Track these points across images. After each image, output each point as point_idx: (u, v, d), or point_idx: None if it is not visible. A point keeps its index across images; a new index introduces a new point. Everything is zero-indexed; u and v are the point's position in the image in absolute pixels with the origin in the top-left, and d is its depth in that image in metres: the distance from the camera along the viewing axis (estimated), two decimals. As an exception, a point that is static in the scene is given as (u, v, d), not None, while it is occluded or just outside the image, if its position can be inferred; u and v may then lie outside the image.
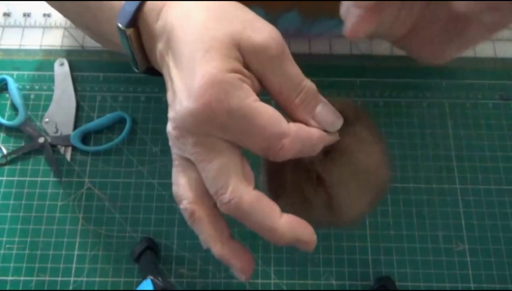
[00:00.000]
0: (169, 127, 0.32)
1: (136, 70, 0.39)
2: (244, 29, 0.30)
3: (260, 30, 0.30)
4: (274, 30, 0.31)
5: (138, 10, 0.34)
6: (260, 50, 0.30)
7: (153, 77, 0.40)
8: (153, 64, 0.37)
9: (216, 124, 0.29)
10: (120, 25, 0.34)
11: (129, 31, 0.34)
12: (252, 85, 0.31)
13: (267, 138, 0.30)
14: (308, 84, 0.32)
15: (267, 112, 0.30)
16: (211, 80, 0.28)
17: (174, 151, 0.33)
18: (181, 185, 0.32)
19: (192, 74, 0.29)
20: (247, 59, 0.30)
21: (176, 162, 0.33)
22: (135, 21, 0.34)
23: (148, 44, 0.35)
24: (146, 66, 0.38)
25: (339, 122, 0.33)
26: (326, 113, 0.33)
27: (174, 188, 0.33)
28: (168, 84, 0.33)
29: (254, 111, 0.29)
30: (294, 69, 0.31)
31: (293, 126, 0.31)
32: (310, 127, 0.32)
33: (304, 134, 0.31)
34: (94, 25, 0.42)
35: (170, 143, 0.33)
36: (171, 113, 0.32)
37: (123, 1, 0.34)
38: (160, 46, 0.33)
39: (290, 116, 0.33)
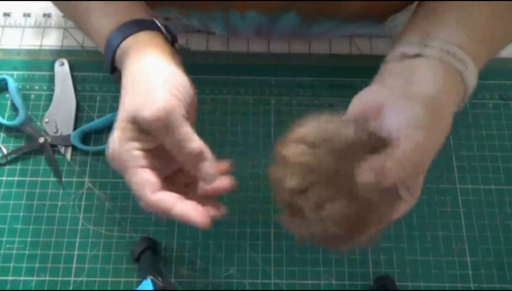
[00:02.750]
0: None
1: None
2: (141, 105, 0.38)
3: (150, 106, 0.37)
4: (161, 108, 0.37)
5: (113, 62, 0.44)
6: (148, 123, 0.37)
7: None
8: None
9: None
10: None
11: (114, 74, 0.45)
12: (148, 144, 0.39)
13: (136, 196, 0.38)
14: (191, 147, 0.38)
15: (137, 182, 0.38)
16: (112, 150, 0.39)
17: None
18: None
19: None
20: (144, 127, 0.38)
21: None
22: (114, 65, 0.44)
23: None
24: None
25: (215, 176, 0.40)
26: (205, 170, 0.39)
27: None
28: None
29: (130, 173, 0.38)
30: (179, 136, 0.38)
31: (157, 197, 0.38)
32: (172, 201, 0.38)
33: (161, 205, 0.38)
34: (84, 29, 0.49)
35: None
36: None
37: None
38: None
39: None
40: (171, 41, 0.45)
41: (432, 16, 0.44)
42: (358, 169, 0.35)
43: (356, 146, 0.35)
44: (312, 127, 0.37)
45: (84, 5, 0.46)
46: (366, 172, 0.35)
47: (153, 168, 0.39)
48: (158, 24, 0.44)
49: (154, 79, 0.39)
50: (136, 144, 0.38)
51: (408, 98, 0.38)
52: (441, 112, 0.39)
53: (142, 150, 0.39)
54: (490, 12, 0.43)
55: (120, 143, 0.39)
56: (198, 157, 0.39)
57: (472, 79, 0.41)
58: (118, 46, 0.42)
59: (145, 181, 0.38)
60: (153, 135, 0.38)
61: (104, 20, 0.44)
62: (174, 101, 0.38)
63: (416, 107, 0.37)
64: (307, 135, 0.36)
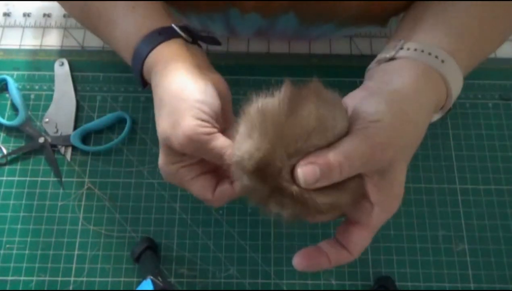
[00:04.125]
0: None
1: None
2: (170, 135, 0.39)
3: (177, 137, 0.38)
4: (185, 136, 0.38)
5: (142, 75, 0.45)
6: (181, 149, 0.39)
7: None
8: None
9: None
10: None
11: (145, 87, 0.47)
12: (192, 162, 0.41)
13: (202, 200, 0.42)
14: (228, 158, 0.38)
15: (195, 189, 0.41)
16: (163, 173, 0.42)
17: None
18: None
19: None
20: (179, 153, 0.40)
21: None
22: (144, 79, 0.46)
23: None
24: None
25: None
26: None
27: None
28: None
29: (187, 186, 0.42)
30: (212, 152, 0.38)
31: (217, 193, 0.41)
32: (227, 189, 0.41)
33: (225, 198, 0.42)
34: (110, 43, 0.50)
35: None
36: None
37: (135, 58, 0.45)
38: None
39: None
40: (193, 39, 0.45)
41: (412, 21, 0.45)
42: (297, 168, 0.33)
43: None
44: (255, 145, 0.33)
45: (107, 18, 0.46)
46: (306, 168, 0.33)
47: (205, 170, 0.41)
48: (177, 30, 0.44)
49: (179, 105, 0.39)
50: (180, 164, 0.41)
51: (374, 94, 0.38)
52: (407, 107, 0.37)
53: (188, 165, 0.41)
54: (476, 10, 0.43)
55: (167, 166, 0.41)
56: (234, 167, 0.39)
57: (452, 75, 0.41)
58: (144, 61, 0.43)
59: (202, 188, 0.41)
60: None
61: (130, 31, 0.45)
62: (197, 125, 0.38)
63: (376, 102, 0.37)
64: (245, 161, 0.34)
